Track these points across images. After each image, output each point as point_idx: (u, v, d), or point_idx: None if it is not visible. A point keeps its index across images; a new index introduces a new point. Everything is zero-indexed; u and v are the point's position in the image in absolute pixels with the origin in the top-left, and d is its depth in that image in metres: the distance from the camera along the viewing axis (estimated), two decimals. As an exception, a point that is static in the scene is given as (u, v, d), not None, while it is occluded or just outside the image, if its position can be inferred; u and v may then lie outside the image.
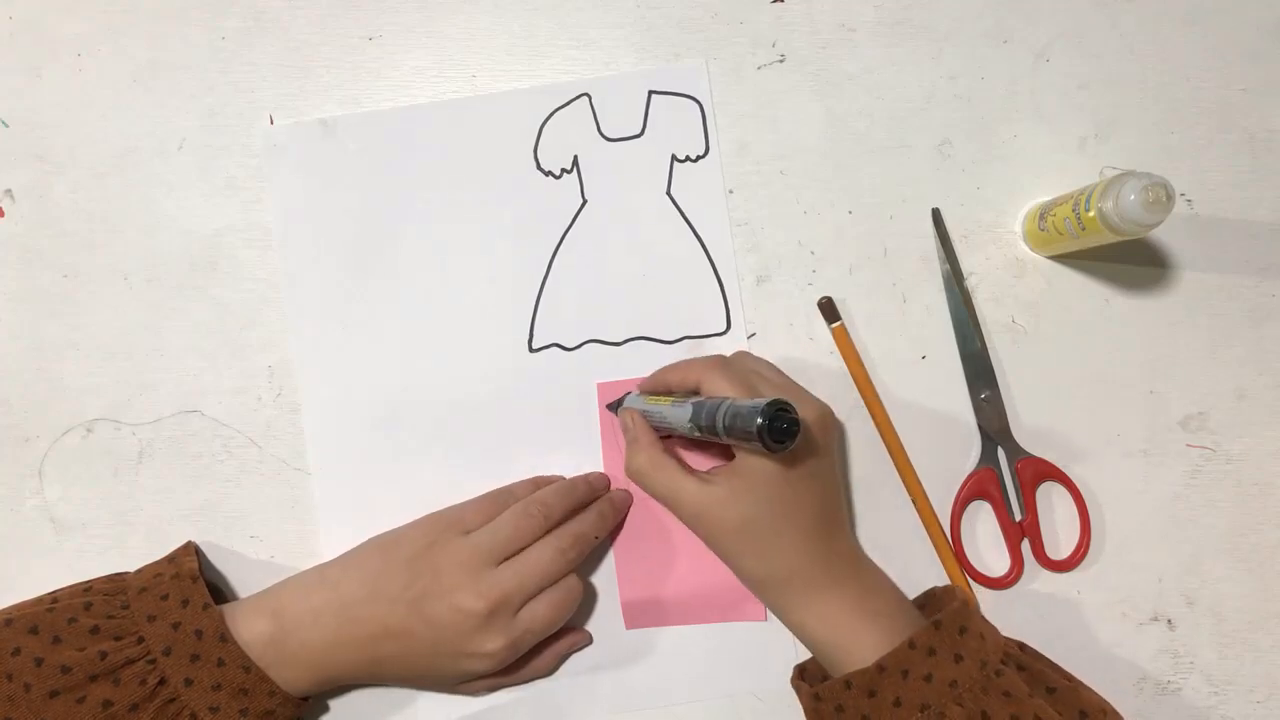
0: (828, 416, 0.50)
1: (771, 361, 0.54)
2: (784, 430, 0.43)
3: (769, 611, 0.55)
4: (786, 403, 0.44)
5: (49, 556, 0.57)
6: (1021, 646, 0.49)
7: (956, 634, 0.46)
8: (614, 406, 0.56)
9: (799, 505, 0.48)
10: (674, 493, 0.49)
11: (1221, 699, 0.55)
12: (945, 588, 0.52)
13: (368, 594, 0.49)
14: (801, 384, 0.53)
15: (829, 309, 0.56)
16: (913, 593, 0.53)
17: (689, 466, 0.51)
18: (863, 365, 0.56)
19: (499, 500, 0.53)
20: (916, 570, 0.56)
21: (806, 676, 0.51)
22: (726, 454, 0.53)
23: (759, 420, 0.43)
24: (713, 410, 0.46)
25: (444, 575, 0.49)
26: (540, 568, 0.50)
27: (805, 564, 0.49)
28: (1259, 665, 0.55)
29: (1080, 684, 0.48)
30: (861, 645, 0.47)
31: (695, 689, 0.56)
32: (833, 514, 0.51)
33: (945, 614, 0.47)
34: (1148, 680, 0.55)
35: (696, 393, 0.50)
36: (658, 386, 0.53)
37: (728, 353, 0.56)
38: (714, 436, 0.46)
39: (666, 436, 0.53)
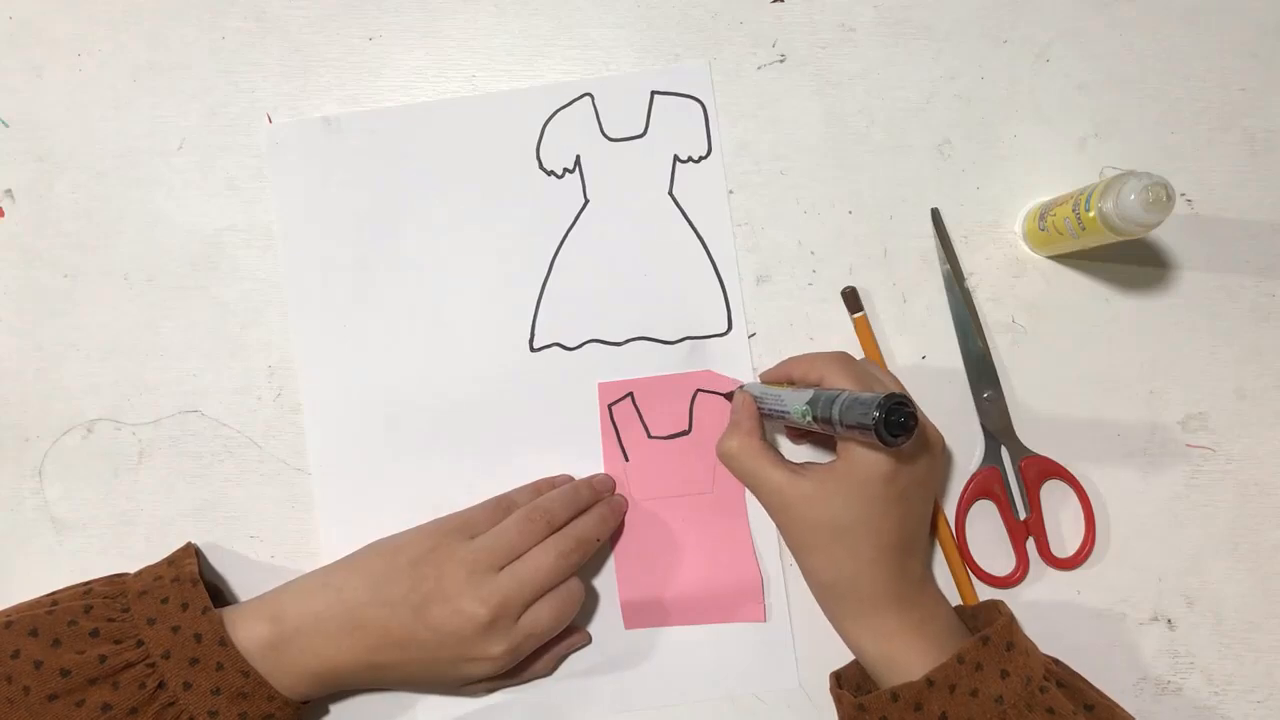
0: (939, 442, 0.51)
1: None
2: (900, 424, 0.43)
3: (769, 612, 0.55)
4: (907, 398, 0.43)
5: (49, 556, 0.57)
6: (1057, 662, 0.50)
7: (1004, 650, 0.47)
8: (729, 394, 0.56)
9: (884, 520, 0.48)
10: (760, 479, 0.50)
11: (1221, 699, 0.55)
12: (988, 603, 0.52)
13: (370, 598, 0.49)
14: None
15: (852, 299, 0.56)
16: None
17: (783, 458, 0.51)
18: (881, 357, 0.56)
19: (501, 506, 0.53)
20: (917, 570, 0.56)
21: (845, 684, 0.51)
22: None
23: (875, 413, 0.43)
24: (831, 398, 0.46)
25: (447, 580, 0.49)
26: (542, 572, 0.50)
27: (873, 579, 0.49)
28: (1259, 665, 0.55)
29: (1113, 702, 0.48)
30: (912, 664, 0.47)
31: (695, 689, 0.56)
32: (914, 535, 0.51)
33: (994, 629, 0.47)
34: (1148, 680, 0.55)
35: (819, 386, 0.50)
36: (780, 376, 0.53)
37: (727, 353, 0.56)
38: (828, 426, 0.46)
39: (784, 427, 0.54)
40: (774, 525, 0.53)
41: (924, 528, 0.52)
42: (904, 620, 0.49)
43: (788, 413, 0.50)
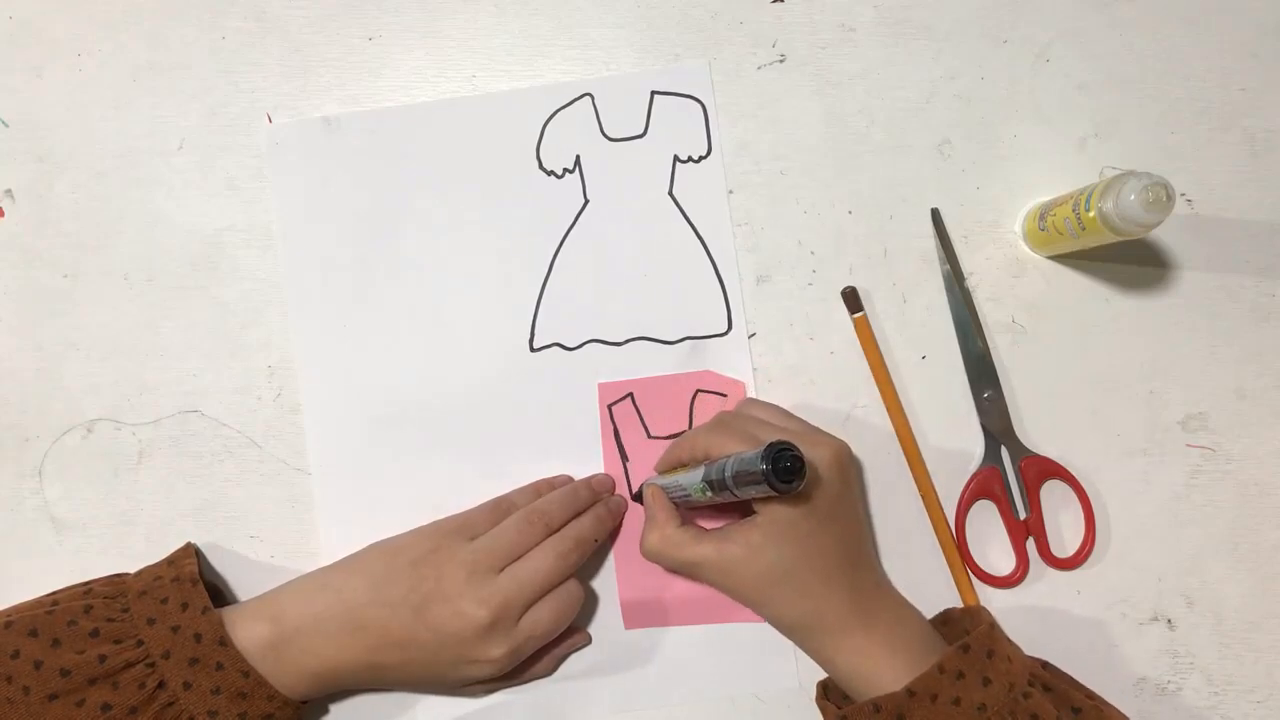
0: (843, 454, 0.50)
1: (774, 404, 0.54)
2: (789, 469, 0.43)
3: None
4: (787, 443, 0.43)
5: (49, 556, 0.57)
6: (1044, 665, 0.49)
7: (984, 657, 0.47)
8: (638, 497, 0.56)
9: (820, 548, 0.48)
10: (692, 563, 0.49)
11: (1221, 699, 0.55)
12: (966, 609, 0.52)
13: (370, 599, 0.49)
14: (805, 387, 0.53)
15: (852, 299, 0.56)
16: (920, 597, 0.53)
17: (704, 532, 0.50)
18: (881, 357, 0.56)
19: (500, 507, 0.53)
20: (921, 570, 0.56)
21: (831, 696, 0.51)
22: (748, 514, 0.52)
23: (762, 465, 0.43)
24: (720, 467, 0.46)
25: (447, 582, 0.49)
26: (541, 574, 0.50)
27: (832, 605, 0.49)
28: (1259, 665, 0.55)
29: (1102, 701, 0.48)
30: (889, 676, 0.47)
31: (695, 689, 0.56)
32: (856, 552, 0.51)
33: (973, 637, 0.47)
34: (1148, 680, 0.55)
35: (708, 458, 0.50)
36: (672, 463, 0.53)
37: (728, 353, 0.56)
38: (727, 493, 0.46)
39: (694, 509, 0.54)
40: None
41: (862, 539, 0.52)
42: (871, 635, 0.49)
43: (689, 495, 0.50)
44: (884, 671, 0.47)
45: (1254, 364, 0.57)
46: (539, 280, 0.58)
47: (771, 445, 0.43)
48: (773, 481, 0.43)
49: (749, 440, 0.48)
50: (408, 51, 0.59)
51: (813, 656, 0.51)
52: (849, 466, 0.51)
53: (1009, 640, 0.49)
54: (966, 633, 0.50)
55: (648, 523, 0.52)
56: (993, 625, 0.49)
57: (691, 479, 0.49)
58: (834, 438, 0.50)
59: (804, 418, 0.56)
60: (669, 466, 0.53)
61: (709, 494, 0.48)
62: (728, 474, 0.45)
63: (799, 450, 0.43)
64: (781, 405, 0.54)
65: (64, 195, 0.59)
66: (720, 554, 0.49)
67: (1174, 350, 0.57)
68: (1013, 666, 0.47)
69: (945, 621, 0.53)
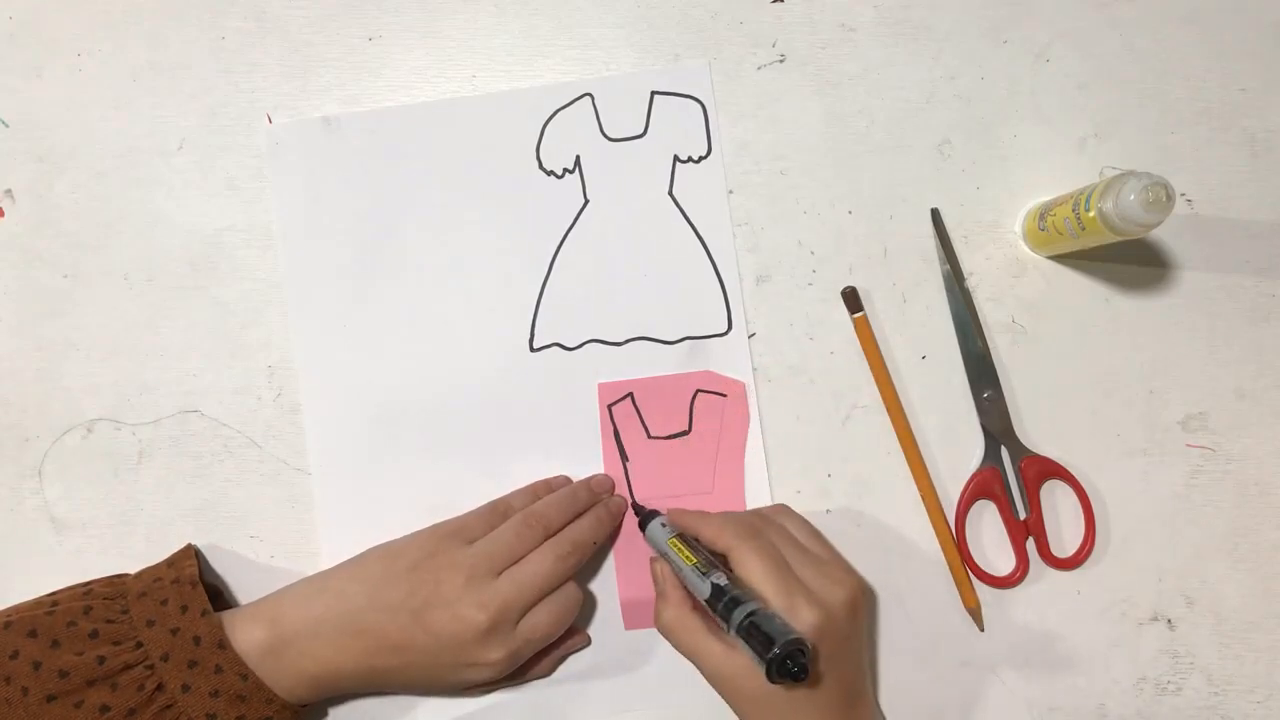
0: (859, 598, 0.49)
1: (806, 520, 0.53)
2: (791, 672, 0.43)
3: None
4: (804, 647, 0.43)
5: (49, 556, 0.57)
6: None
7: None
8: (643, 518, 0.54)
9: (821, 684, 0.47)
10: (698, 655, 0.48)
11: (1221, 699, 0.55)
12: None
13: (369, 603, 0.49)
14: (805, 387, 0.53)
15: (852, 299, 0.56)
16: (920, 597, 0.53)
17: (717, 627, 0.49)
18: (881, 357, 0.56)
19: (498, 510, 0.53)
20: (921, 570, 0.56)
21: None
22: None
23: (774, 651, 0.42)
24: (731, 608, 0.45)
25: (445, 585, 0.49)
26: (539, 577, 0.49)
27: None
28: (1259, 665, 0.55)
29: None
30: None
31: (695, 689, 0.55)
32: (856, 690, 0.50)
33: None
34: (1148, 680, 0.55)
35: (723, 556, 0.49)
36: (689, 528, 0.51)
37: (728, 353, 0.56)
38: (725, 626, 0.46)
39: None
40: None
41: (863, 679, 0.51)
42: None
43: (692, 589, 0.49)
44: None
45: (1254, 364, 0.56)
46: (539, 280, 0.58)
47: (789, 643, 0.43)
48: (771, 675, 0.43)
49: (773, 579, 0.46)
50: (408, 51, 0.59)
51: None
52: (862, 609, 0.50)
53: None
54: None
55: (661, 598, 0.50)
56: None
57: (699, 587, 0.48)
58: (854, 575, 0.49)
59: (804, 418, 0.56)
60: (682, 531, 0.52)
61: (709, 607, 0.47)
62: (735, 622, 0.45)
63: (808, 658, 0.43)
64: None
65: (64, 195, 0.59)
66: (725, 660, 0.47)
67: (1174, 350, 0.57)
68: None
69: None
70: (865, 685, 0.51)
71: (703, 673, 0.49)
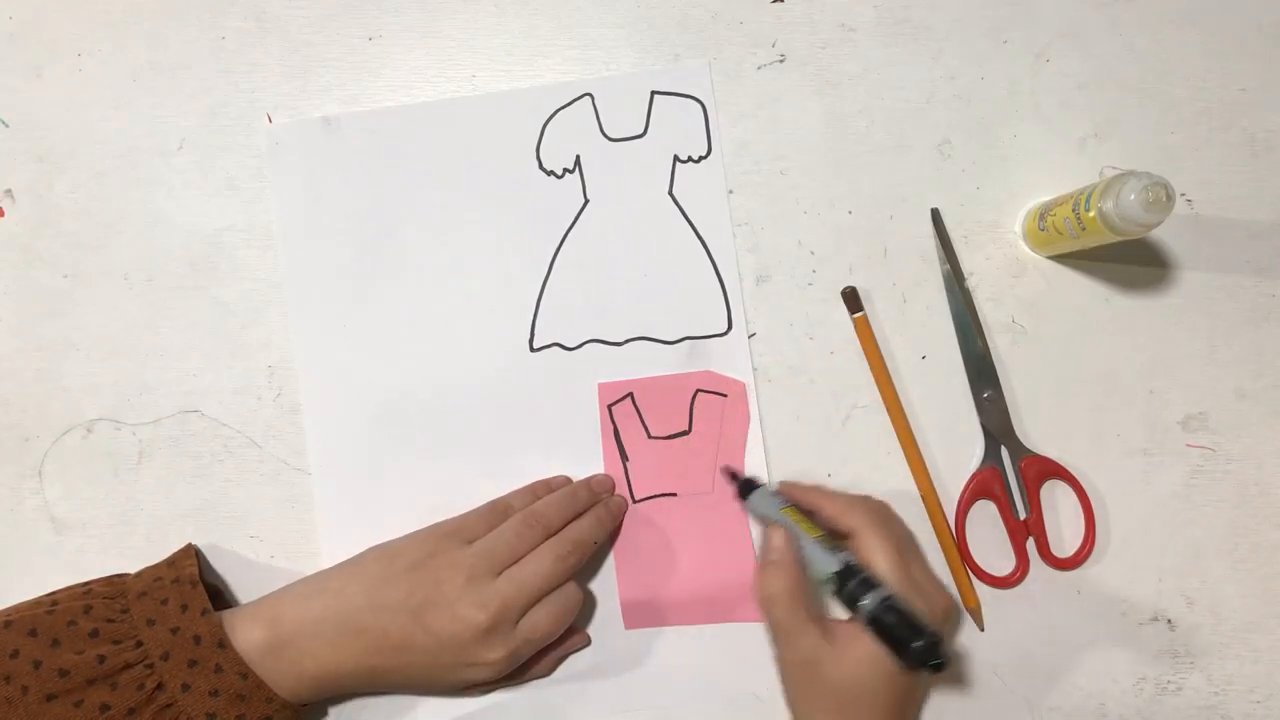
0: (952, 614, 0.49)
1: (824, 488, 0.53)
2: (933, 664, 0.43)
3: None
4: (939, 639, 0.43)
5: (49, 556, 0.57)
6: None
7: None
8: (741, 486, 0.53)
9: (903, 692, 0.47)
10: (795, 634, 0.47)
11: (1221, 699, 0.55)
12: None
13: (368, 603, 0.49)
14: (805, 387, 0.53)
15: (852, 299, 0.56)
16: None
17: (814, 611, 0.48)
18: (881, 358, 0.56)
19: (498, 510, 0.53)
20: (917, 570, 0.56)
21: None
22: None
23: (919, 643, 0.42)
24: (865, 590, 0.45)
25: (445, 585, 0.49)
26: (539, 576, 0.50)
27: None
28: (1259, 665, 0.55)
29: None
30: None
31: (695, 689, 0.56)
32: (922, 701, 0.50)
33: None
34: (1148, 680, 0.55)
35: (841, 535, 0.48)
36: (806, 503, 0.51)
37: (728, 353, 0.56)
38: (843, 602, 0.45)
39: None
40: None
41: (920, 705, 0.51)
42: None
43: (806, 561, 0.48)
44: None
45: (1254, 364, 0.56)
46: (539, 280, 0.58)
47: (934, 633, 0.43)
48: (910, 662, 0.43)
49: (898, 570, 0.46)
50: (408, 51, 0.59)
51: None
52: (953, 624, 0.51)
53: None
54: None
55: (772, 567, 0.48)
56: None
57: (824, 560, 0.47)
58: (946, 593, 0.49)
59: (804, 418, 0.56)
60: (800, 505, 0.50)
61: (827, 587, 0.46)
62: (864, 608, 0.44)
63: (945, 650, 0.43)
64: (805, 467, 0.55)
65: (64, 195, 0.59)
66: (818, 645, 0.46)
67: (1174, 350, 0.57)
68: None
69: None
70: (920, 705, 0.52)
71: (786, 655, 0.48)
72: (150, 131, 0.59)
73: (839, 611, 0.49)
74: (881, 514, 0.50)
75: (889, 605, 0.44)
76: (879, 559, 0.47)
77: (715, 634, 0.56)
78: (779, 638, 0.48)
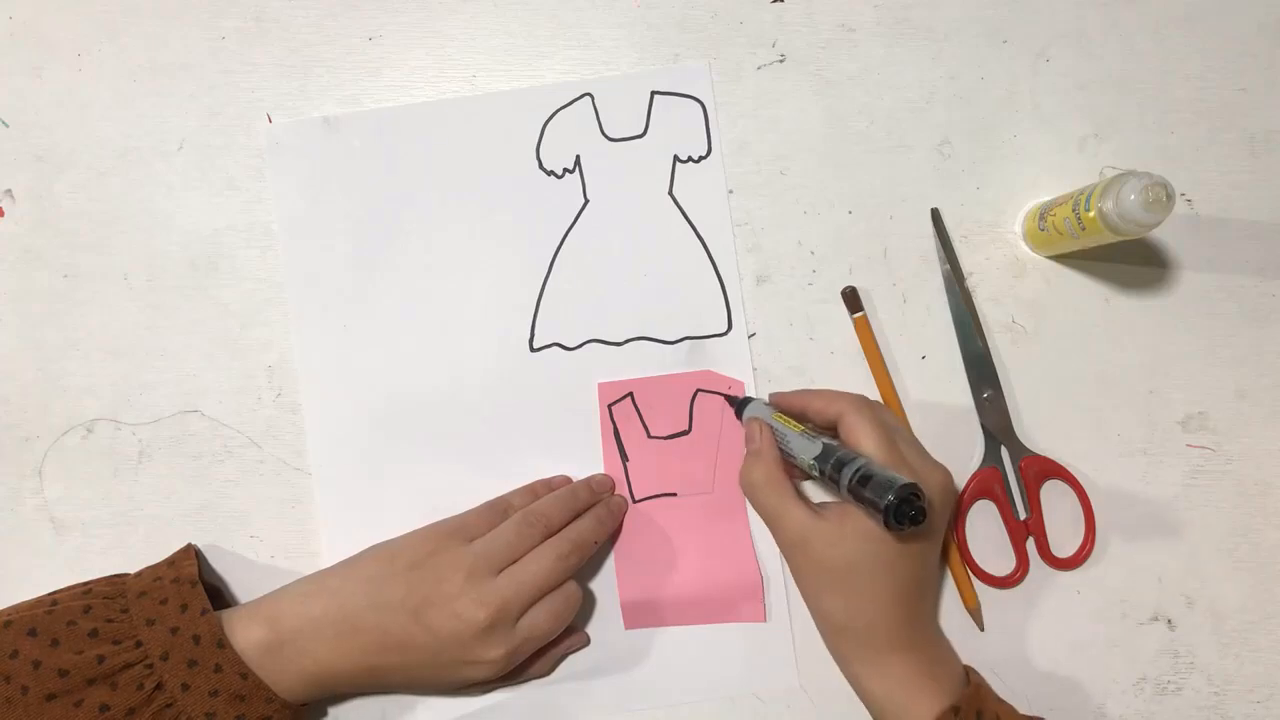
0: (949, 487, 0.50)
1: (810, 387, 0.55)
2: (910, 516, 0.43)
3: (769, 612, 0.55)
4: (919, 489, 0.43)
5: (49, 556, 0.57)
6: None
7: (974, 717, 0.47)
8: (737, 406, 0.55)
9: (901, 562, 0.48)
10: (781, 515, 0.49)
11: (1221, 699, 0.55)
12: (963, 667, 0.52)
13: (368, 602, 0.49)
14: (805, 384, 0.53)
15: (852, 299, 0.56)
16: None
17: (802, 494, 0.50)
18: (881, 358, 0.56)
19: (498, 509, 0.53)
20: (917, 570, 0.56)
21: None
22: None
23: (890, 497, 0.43)
24: (844, 462, 0.46)
25: (445, 584, 0.49)
26: (539, 575, 0.50)
27: (888, 623, 0.49)
28: (1259, 665, 0.55)
29: None
30: (921, 707, 0.47)
31: (695, 689, 0.56)
32: (929, 579, 0.51)
33: (963, 697, 0.47)
34: (1148, 680, 0.55)
35: (831, 428, 0.50)
36: (792, 407, 0.53)
37: (728, 353, 0.56)
38: (833, 485, 0.46)
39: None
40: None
41: (937, 569, 0.52)
42: (913, 664, 0.49)
43: (793, 456, 0.50)
44: (921, 700, 0.48)
45: (1254, 364, 0.56)
46: (539, 280, 0.58)
47: (904, 487, 0.43)
48: (889, 519, 0.43)
49: (885, 443, 0.48)
50: (408, 51, 0.59)
51: (844, 668, 0.51)
52: (951, 499, 0.51)
53: (999, 700, 0.49)
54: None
55: (752, 455, 0.51)
56: (980, 686, 0.49)
57: (805, 447, 0.48)
58: (943, 468, 0.51)
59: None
60: (789, 409, 0.53)
61: (814, 472, 0.48)
62: (846, 479, 0.45)
63: (924, 502, 0.43)
64: None
65: (64, 195, 0.59)
66: (812, 523, 0.48)
67: (1174, 350, 0.57)
68: None
69: None
70: (936, 582, 0.52)
71: (780, 538, 0.50)
72: (150, 131, 0.59)
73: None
74: (860, 403, 0.51)
75: (862, 472, 0.45)
76: (864, 439, 0.48)
77: (715, 634, 0.56)
78: (770, 523, 0.50)
